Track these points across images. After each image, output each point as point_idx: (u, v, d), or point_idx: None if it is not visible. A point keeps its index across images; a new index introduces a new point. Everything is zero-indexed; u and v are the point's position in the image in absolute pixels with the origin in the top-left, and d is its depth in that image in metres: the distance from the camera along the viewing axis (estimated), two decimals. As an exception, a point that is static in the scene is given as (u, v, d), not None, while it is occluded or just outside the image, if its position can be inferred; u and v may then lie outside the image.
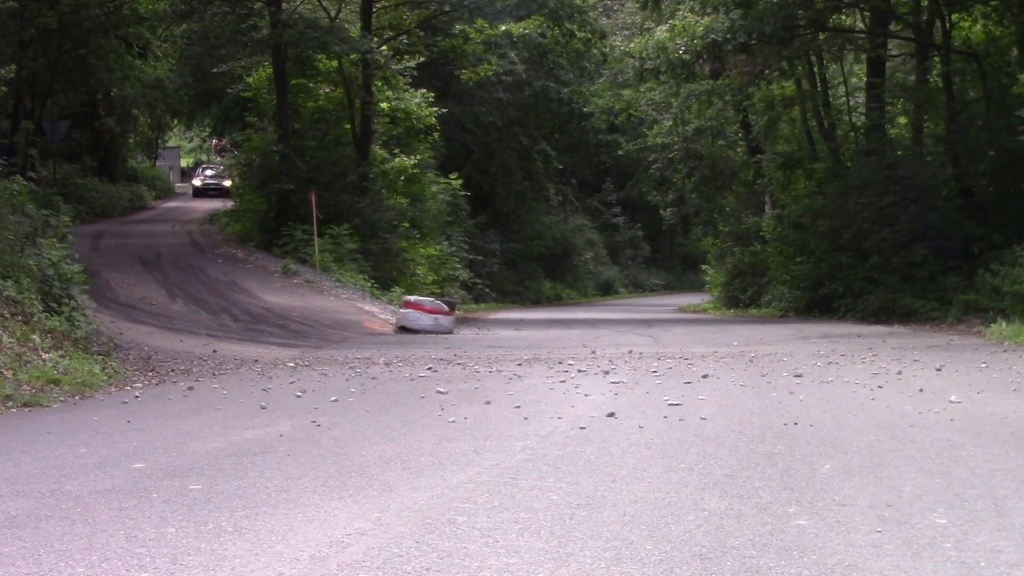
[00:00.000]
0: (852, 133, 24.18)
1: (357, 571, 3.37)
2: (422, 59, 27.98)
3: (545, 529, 3.85)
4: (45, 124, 28.69)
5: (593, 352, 11.66)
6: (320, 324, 15.95)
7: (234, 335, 13.78)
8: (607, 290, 45.22)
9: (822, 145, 24.73)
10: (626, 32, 34.53)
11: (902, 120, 23.10)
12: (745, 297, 26.71)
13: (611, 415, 6.66)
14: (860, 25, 23.60)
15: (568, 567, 3.40)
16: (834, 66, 25.82)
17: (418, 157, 27.63)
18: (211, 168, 46.58)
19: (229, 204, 30.42)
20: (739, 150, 32.35)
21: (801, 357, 10.66)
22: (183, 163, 64.04)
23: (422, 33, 29.19)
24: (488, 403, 7.42)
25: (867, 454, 5.31)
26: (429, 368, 10.00)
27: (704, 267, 34.16)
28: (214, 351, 11.78)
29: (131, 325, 13.49)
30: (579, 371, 9.50)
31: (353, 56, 24.80)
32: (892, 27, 22.01)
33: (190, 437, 6.11)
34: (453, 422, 6.51)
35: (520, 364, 10.33)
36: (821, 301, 20.36)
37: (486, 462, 5.19)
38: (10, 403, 7.58)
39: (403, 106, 27.33)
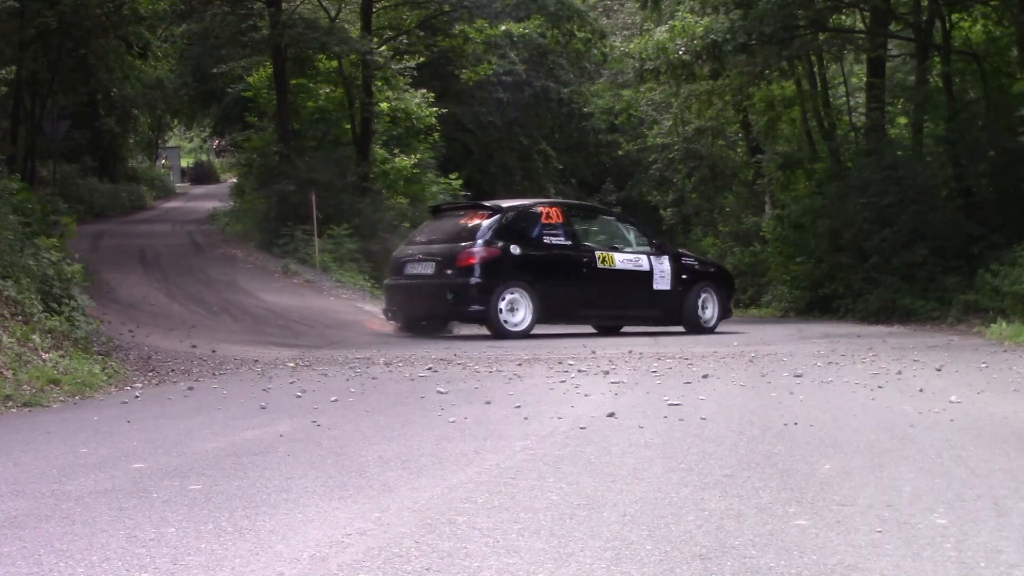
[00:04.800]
0: (852, 133, 24.20)
1: (357, 571, 3.37)
2: (422, 59, 28.00)
3: (545, 529, 3.85)
4: (45, 124, 28.72)
5: (593, 352, 11.66)
6: (320, 324, 15.95)
7: (234, 335, 13.78)
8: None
9: (822, 145, 24.76)
10: (626, 32, 34.52)
11: (902, 120, 23.11)
12: (745, 297, 26.73)
13: (611, 415, 6.66)
14: (860, 25, 23.61)
15: (568, 567, 3.40)
16: (834, 66, 25.84)
17: (418, 157, 27.65)
18: None
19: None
20: (739, 150, 32.37)
21: (801, 357, 10.66)
22: (183, 163, 64.08)
23: (422, 33, 29.22)
24: (488, 403, 7.42)
25: (867, 454, 5.31)
26: (429, 368, 10.00)
27: (704, 267, 34.09)
28: (213, 351, 11.78)
29: (131, 325, 13.49)
30: (579, 371, 9.50)
31: (353, 56, 24.81)
32: (892, 27, 22.02)
33: (190, 437, 6.11)
34: (453, 422, 6.50)
35: (520, 364, 10.34)
36: (821, 301, 20.38)
37: (486, 462, 5.19)
38: (10, 403, 7.58)
39: (403, 106, 27.36)
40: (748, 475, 4.79)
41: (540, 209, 14.93)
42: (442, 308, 14.34)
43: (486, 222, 14.28)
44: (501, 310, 14.00)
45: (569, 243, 14.70)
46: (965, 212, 18.49)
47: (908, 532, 3.80)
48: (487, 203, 15.37)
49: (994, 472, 4.86)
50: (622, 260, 14.94)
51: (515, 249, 14.16)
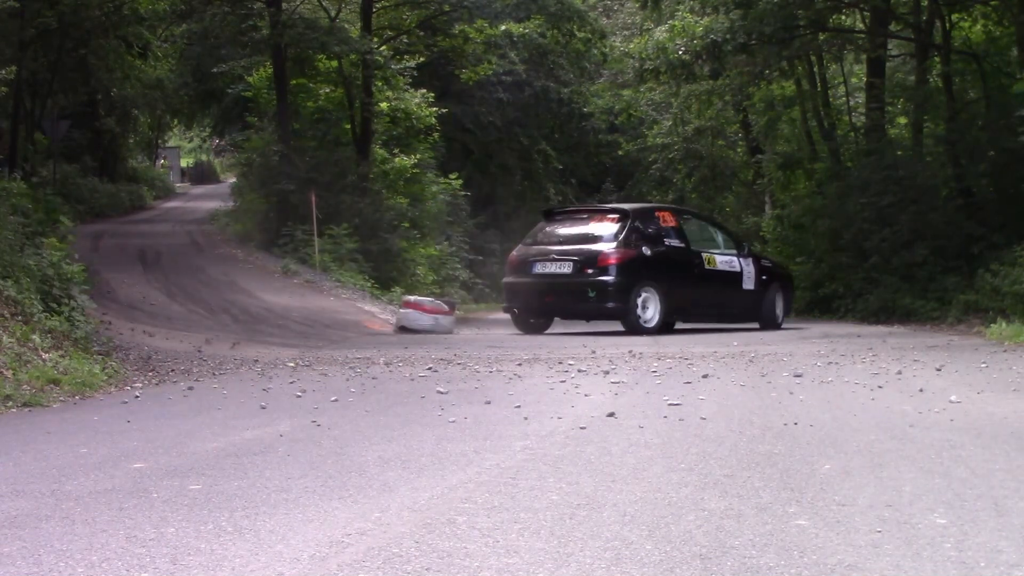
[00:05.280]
0: (852, 133, 24.18)
1: (357, 571, 3.37)
2: (422, 59, 28.00)
3: (545, 529, 3.85)
4: (45, 124, 28.73)
5: (593, 352, 11.66)
6: (320, 324, 15.95)
7: (234, 335, 13.78)
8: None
9: (822, 145, 24.73)
10: (626, 32, 34.51)
11: (902, 120, 23.11)
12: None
13: (611, 415, 6.66)
14: (860, 25, 23.61)
15: (568, 567, 3.40)
16: (834, 66, 25.83)
17: (418, 157, 27.65)
18: None
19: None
20: (739, 150, 32.35)
21: (801, 357, 10.66)
22: (183, 163, 64.08)
23: (422, 33, 29.21)
24: (488, 403, 7.42)
25: (867, 454, 5.31)
26: (429, 368, 10.01)
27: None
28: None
29: (131, 325, 13.49)
30: (579, 371, 9.51)
31: (353, 56, 24.81)
32: (892, 27, 22.01)
33: (190, 437, 6.11)
34: (453, 422, 6.51)
35: (520, 364, 10.34)
36: (821, 301, 20.36)
37: (486, 462, 5.19)
38: (10, 403, 7.58)
39: (403, 106, 27.35)
40: (748, 475, 4.79)
41: (658, 213, 16.06)
42: (580, 305, 15.10)
43: (618, 224, 15.12)
44: (637, 307, 14.79)
45: (683, 245, 15.69)
46: (965, 212, 18.48)
47: (908, 532, 3.80)
48: (608, 206, 16.67)
49: (994, 472, 4.86)
50: (721, 261, 16.05)
51: (646, 250, 15.05)
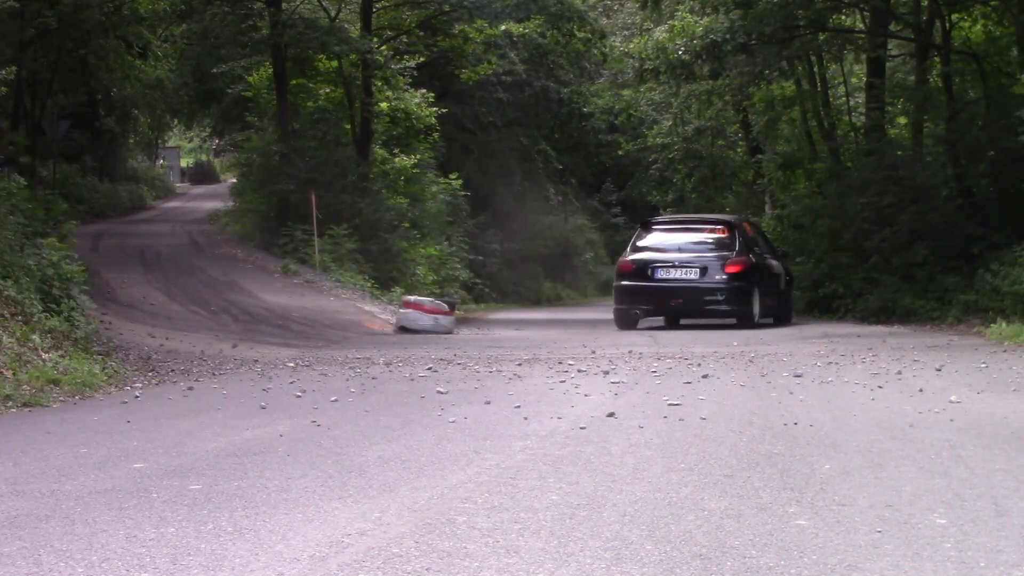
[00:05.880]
0: (852, 133, 24.16)
1: (357, 571, 3.37)
2: (422, 59, 27.98)
3: (545, 529, 3.85)
4: (45, 124, 28.71)
5: (593, 352, 11.66)
6: (320, 324, 15.96)
7: (234, 335, 13.78)
8: (607, 290, 45.00)
9: (822, 145, 24.71)
10: (626, 32, 34.46)
11: (902, 120, 23.09)
12: (745, 297, 26.63)
13: (611, 415, 6.66)
14: (860, 25, 23.59)
15: (568, 567, 3.40)
16: (834, 66, 25.79)
17: (418, 157, 27.63)
18: None
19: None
20: (739, 150, 32.32)
21: (801, 357, 10.66)
22: (183, 163, 64.09)
23: (422, 33, 29.19)
24: (488, 403, 7.43)
25: (867, 454, 5.31)
26: (429, 368, 10.01)
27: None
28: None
29: (131, 325, 13.49)
30: (579, 371, 9.51)
31: (353, 56, 24.81)
32: (892, 27, 21.99)
33: (190, 437, 6.12)
34: (453, 422, 6.51)
35: (520, 364, 10.34)
36: (821, 301, 20.34)
37: (486, 462, 5.20)
38: (10, 403, 7.59)
39: (403, 106, 27.33)
40: (748, 475, 4.79)
41: (744, 224, 18.12)
42: (708, 306, 16.79)
43: (727, 235, 16.90)
44: (754, 306, 16.56)
45: (761, 252, 17.53)
46: (965, 212, 18.45)
47: (908, 532, 3.80)
48: (709, 217, 18.72)
49: (994, 472, 4.86)
50: (774, 266, 17.85)
51: (752, 257, 16.85)
